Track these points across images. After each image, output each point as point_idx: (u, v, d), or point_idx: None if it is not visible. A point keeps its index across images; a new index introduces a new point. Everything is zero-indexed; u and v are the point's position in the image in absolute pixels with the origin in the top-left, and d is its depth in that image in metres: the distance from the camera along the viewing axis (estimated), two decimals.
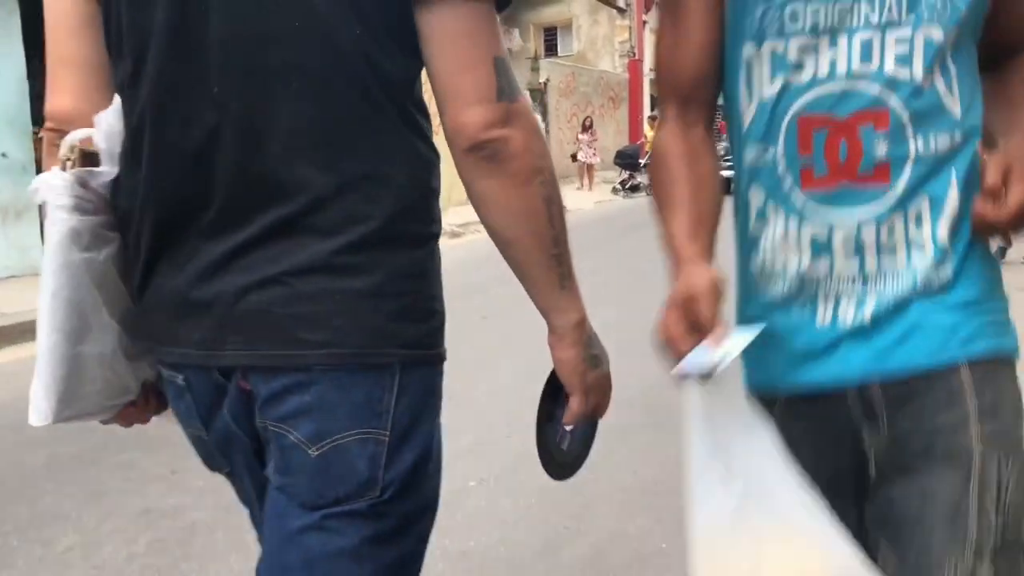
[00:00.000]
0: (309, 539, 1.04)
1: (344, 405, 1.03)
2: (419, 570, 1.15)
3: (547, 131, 20.97)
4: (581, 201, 17.12)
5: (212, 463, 1.21)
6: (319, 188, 1.01)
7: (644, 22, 26.57)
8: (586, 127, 19.76)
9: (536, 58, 23.59)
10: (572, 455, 1.26)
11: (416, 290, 1.07)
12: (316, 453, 1.03)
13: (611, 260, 9.16)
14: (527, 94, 1.12)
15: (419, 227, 1.08)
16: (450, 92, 1.00)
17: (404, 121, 1.05)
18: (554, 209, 1.06)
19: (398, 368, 1.04)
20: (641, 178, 19.33)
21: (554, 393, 1.19)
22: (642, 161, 19.35)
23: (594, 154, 19.37)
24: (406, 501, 1.07)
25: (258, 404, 1.06)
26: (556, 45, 27.70)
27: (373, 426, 1.04)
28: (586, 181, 19.24)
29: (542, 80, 20.95)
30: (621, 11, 25.54)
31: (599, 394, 1.18)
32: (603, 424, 1.27)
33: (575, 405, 1.15)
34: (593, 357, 1.15)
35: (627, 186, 18.88)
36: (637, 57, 25.46)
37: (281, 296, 1.01)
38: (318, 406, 1.02)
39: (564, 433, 1.23)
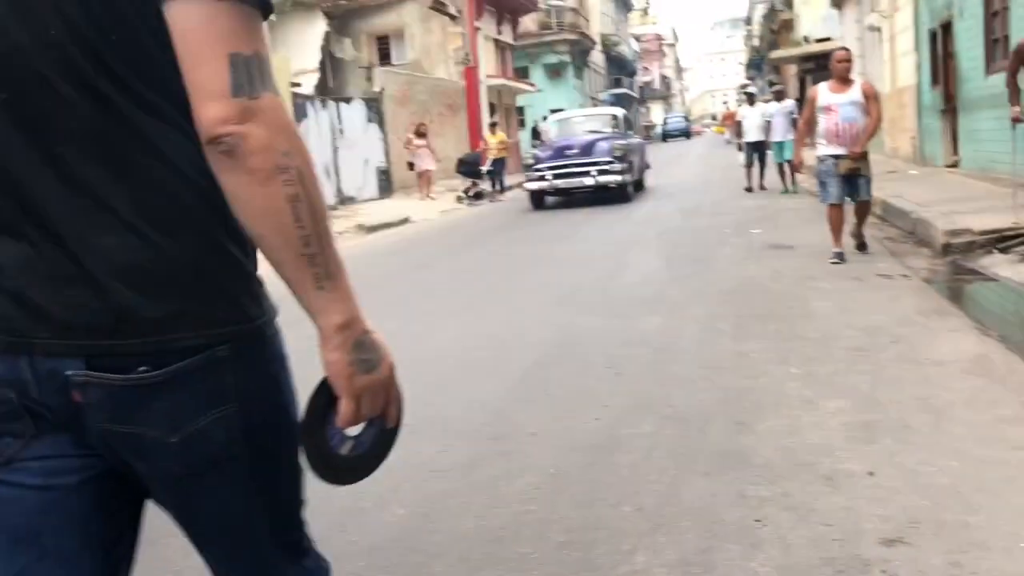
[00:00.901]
0: (198, 500, 1.18)
1: (188, 397, 1.10)
2: (299, 482, 1.28)
3: (385, 140, 20.43)
4: (427, 211, 16.70)
5: None
6: (99, 183, 1.06)
7: (477, 28, 26.46)
8: (421, 133, 19.34)
9: (371, 67, 23.02)
10: (354, 461, 1.21)
11: (221, 273, 1.11)
12: (176, 440, 1.11)
13: (457, 272, 8.81)
14: (278, 93, 1.07)
15: (206, 214, 1.09)
16: (188, 85, 1.02)
17: (177, 116, 1.07)
18: (302, 208, 1.04)
19: (227, 352, 1.11)
20: (484, 185, 19.08)
21: (329, 393, 1.14)
22: (484, 168, 19.10)
23: (432, 160, 18.95)
24: (266, 440, 1.18)
25: (96, 411, 1.10)
26: (390, 54, 27.23)
27: (221, 404, 1.12)
28: (425, 190, 18.79)
29: (377, 89, 20.41)
30: (453, 18, 25.32)
31: (373, 400, 1.15)
32: None
33: (343, 408, 1.13)
34: (363, 361, 1.12)
35: (471, 194, 18.59)
36: (472, 64, 25.29)
37: (93, 293, 1.06)
38: (166, 405, 1.10)
39: (342, 437, 1.18)
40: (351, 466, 1.21)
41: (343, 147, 18.46)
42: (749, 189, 14.57)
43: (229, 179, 1.03)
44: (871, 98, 7.14)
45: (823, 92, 7.25)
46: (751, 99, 15.72)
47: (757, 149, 14.65)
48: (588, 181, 14.47)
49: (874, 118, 7.13)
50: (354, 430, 1.18)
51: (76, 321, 1.07)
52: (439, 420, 3.84)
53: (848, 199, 7.27)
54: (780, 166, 14.13)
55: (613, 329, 5.42)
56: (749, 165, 14.76)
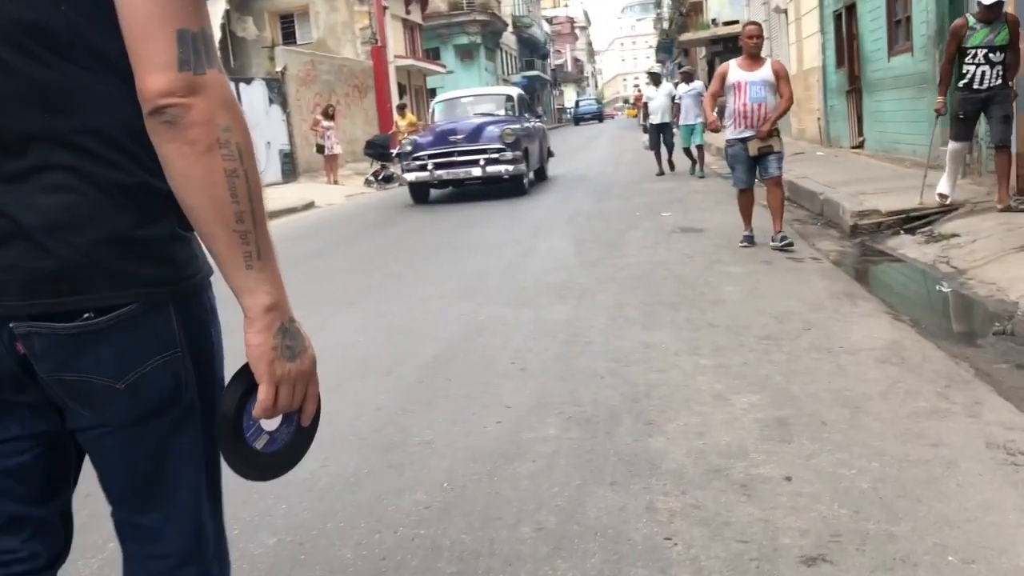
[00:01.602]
0: (143, 456, 1.19)
1: (136, 343, 1.12)
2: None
3: (288, 122, 19.72)
4: (331, 195, 16.16)
5: None
6: (39, 147, 1.07)
7: (384, 8, 25.81)
8: (329, 114, 18.72)
9: (274, 47, 22.21)
10: (269, 458, 1.18)
11: (157, 232, 1.12)
12: (123, 386, 1.13)
13: (359, 260, 8.41)
14: (223, 70, 1.07)
15: (143, 182, 1.11)
16: (133, 56, 1.03)
17: (96, 78, 1.08)
18: (238, 184, 1.05)
19: (169, 299, 1.14)
20: (394, 168, 18.58)
21: (248, 382, 1.13)
22: (394, 151, 18.59)
23: (336, 143, 18.37)
24: (207, 391, 1.22)
25: (36, 359, 1.11)
26: (294, 33, 26.39)
27: (168, 350, 1.15)
28: (330, 175, 18.20)
29: (279, 68, 19.68)
30: None
31: (292, 391, 1.14)
32: None
33: (262, 395, 1.11)
34: (287, 348, 1.12)
35: (380, 177, 18.07)
36: (380, 43, 24.66)
37: (26, 250, 1.08)
38: (113, 350, 1.12)
39: (257, 430, 1.16)
40: (264, 463, 1.18)
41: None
42: (661, 172, 14.25)
43: (168, 149, 1.04)
44: (782, 78, 6.86)
45: (733, 69, 6.95)
46: (656, 80, 15.26)
47: (662, 131, 14.28)
48: (475, 171, 12.56)
49: (786, 98, 6.87)
50: (270, 424, 1.16)
51: (15, 281, 1.08)
52: (325, 427, 3.43)
53: (758, 180, 7.02)
54: (687, 150, 13.84)
55: (520, 320, 5.14)
56: (655, 147, 14.42)
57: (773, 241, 6.76)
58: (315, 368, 1.18)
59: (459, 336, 4.88)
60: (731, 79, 6.88)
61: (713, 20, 36.89)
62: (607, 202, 11.46)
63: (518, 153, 12.67)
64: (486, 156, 12.51)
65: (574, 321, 5.03)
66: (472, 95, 15.67)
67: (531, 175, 14.27)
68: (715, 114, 7.28)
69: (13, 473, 1.21)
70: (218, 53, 1.08)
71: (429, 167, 12.68)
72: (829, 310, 4.81)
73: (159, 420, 1.17)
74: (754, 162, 6.84)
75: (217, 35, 23.88)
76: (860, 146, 13.18)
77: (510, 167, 12.57)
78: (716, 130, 7.32)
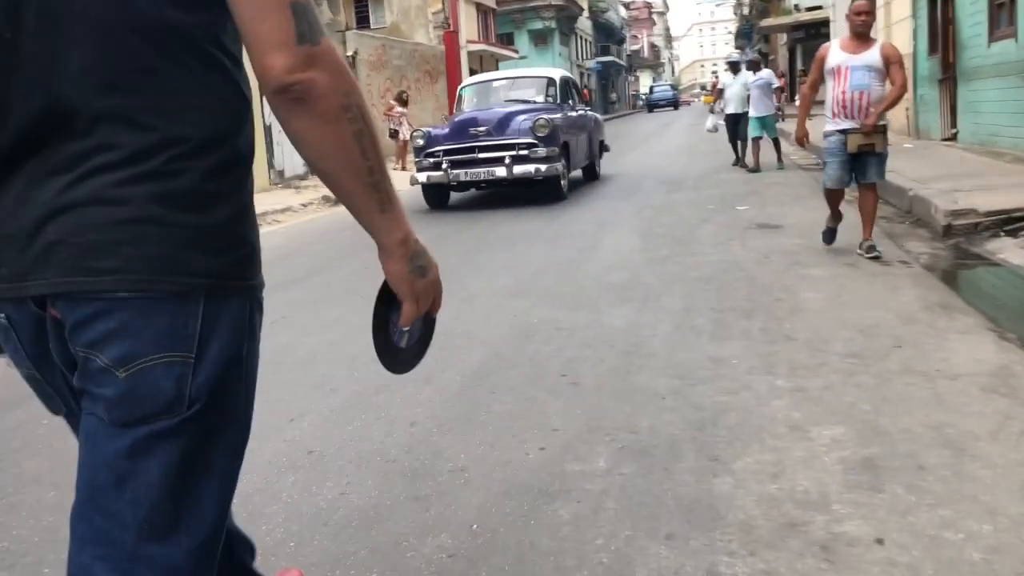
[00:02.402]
0: (120, 459, 1.11)
1: (149, 330, 1.08)
2: (233, 483, 1.23)
3: None
4: (398, 182, 15.90)
5: (50, 404, 1.27)
6: (106, 127, 1.06)
7: None
8: (403, 101, 18.51)
9: (347, 31, 22.12)
10: (411, 353, 1.38)
11: (204, 223, 1.10)
12: (124, 375, 1.08)
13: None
14: (328, 35, 1.08)
15: (210, 163, 1.11)
16: (251, 38, 1.04)
17: (202, 67, 1.10)
18: (366, 142, 1.11)
19: (202, 297, 1.10)
20: None
21: (387, 300, 1.28)
22: None
23: (409, 129, 18.12)
24: (213, 416, 1.14)
25: (67, 332, 1.10)
26: (368, 17, 26.31)
27: (179, 350, 1.09)
28: (400, 162, 17.98)
29: (349, 53, 19.53)
30: None
31: (428, 298, 1.28)
32: None
33: (407, 310, 1.25)
34: (419, 268, 1.24)
35: None
36: (452, 28, 24.36)
37: (74, 226, 1.06)
38: (123, 331, 1.07)
39: (401, 333, 1.32)
40: (407, 356, 1.37)
41: None
42: (742, 163, 13.31)
43: (300, 124, 1.06)
44: (893, 63, 5.81)
45: (834, 51, 5.94)
46: (735, 68, 14.03)
47: (736, 121, 13.38)
48: (499, 171, 10.25)
49: (898, 86, 5.80)
50: (406, 326, 1.29)
51: (58, 255, 1.07)
52: (351, 446, 3.17)
53: (853, 183, 6.09)
54: (756, 140, 12.89)
55: (575, 325, 4.74)
56: (732, 139, 13.59)
57: (859, 248, 6.04)
58: (439, 276, 1.30)
59: (508, 341, 4.51)
60: (831, 62, 5.90)
61: (795, 5, 35.69)
62: (679, 193, 10.94)
63: (554, 149, 10.43)
64: (513, 153, 10.29)
65: (635, 328, 4.61)
66: (506, 78, 13.24)
67: (578, 173, 12.63)
68: (805, 127, 6.34)
69: None
70: (321, 20, 1.09)
71: (444, 165, 10.50)
72: (923, 324, 4.29)
73: (144, 427, 1.10)
74: (852, 160, 5.92)
75: None
76: (952, 138, 12.35)
77: (543, 166, 10.26)
78: (802, 143, 6.45)
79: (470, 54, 27.43)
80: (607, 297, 5.39)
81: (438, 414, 3.46)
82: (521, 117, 10.64)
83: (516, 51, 35.79)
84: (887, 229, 7.18)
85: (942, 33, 12.89)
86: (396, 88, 20.35)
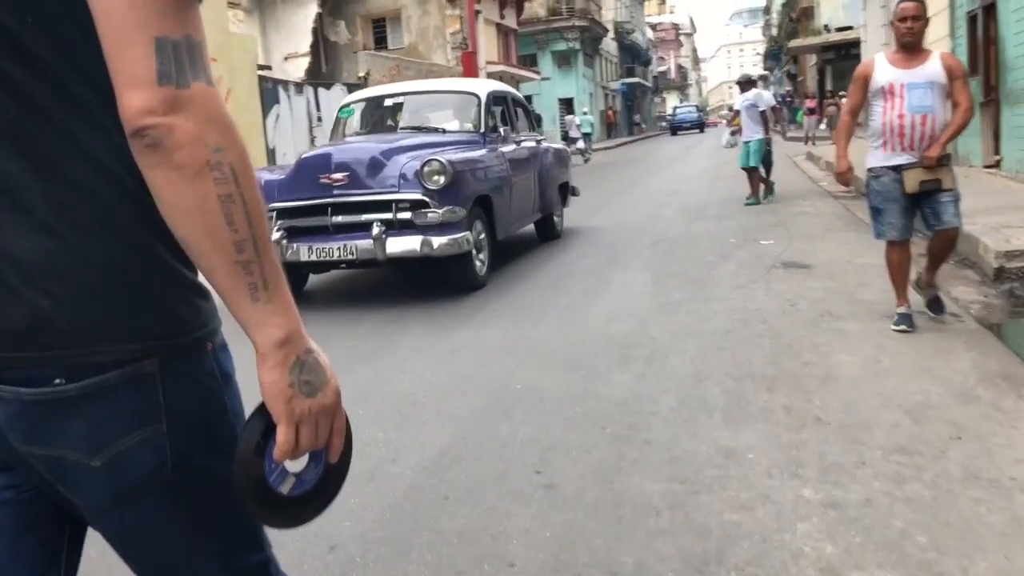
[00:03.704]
0: (133, 533, 1.05)
1: (111, 415, 0.99)
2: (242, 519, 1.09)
3: None
4: None
5: None
6: (14, 180, 0.96)
7: (477, 12, 24.98)
8: None
9: (356, 52, 21.69)
10: (298, 503, 1.05)
11: (149, 279, 1.00)
12: (99, 463, 1.00)
13: (391, 288, 7.38)
14: (212, 82, 0.95)
15: (133, 214, 0.99)
16: (112, 74, 0.91)
17: (100, 107, 0.97)
18: (234, 209, 0.93)
19: (156, 366, 0.99)
20: None
21: (267, 424, 1.01)
22: None
23: None
24: (202, 478, 1.05)
25: (8, 430, 1.01)
26: (386, 38, 25.88)
27: (147, 424, 1.00)
28: None
29: (361, 74, 19.00)
30: (451, 0, 23.83)
31: (315, 428, 1.01)
32: None
33: (281, 437, 0.99)
34: (305, 383, 1.00)
35: None
36: (471, 49, 23.81)
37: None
38: (85, 424, 0.98)
39: (282, 473, 1.02)
40: (292, 509, 1.06)
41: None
42: (768, 191, 12.27)
43: (154, 175, 0.92)
44: (957, 78, 4.64)
45: (881, 66, 4.75)
46: (750, 86, 12.50)
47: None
48: (363, 244, 6.23)
49: (964, 108, 4.61)
50: (295, 466, 1.04)
51: None
52: None
53: (922, 230, 4.91)
54: (748, 172, 11.73)
55: (563, 395, 4.00)
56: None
57: (917, 286, 5.03)
58: (339, 400, 1.04)
59: (481, 417, 3.78)
60: (879, 80, 4.71)
61: (825, 26, 34.91)
62: (699, 223, 10.18)
63: (456, 210, 6.33)
64: (388, 215, 6.23)
65: (634, 401, 3.86)
66: (407, 92, 8.81)
67: (527, 229, 9.20)
68: (847, 160, 5.02)
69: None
70: (208, 62, 0.95)
71: (277, 233, 6.35)
72: (984, 404, 3.51)
73: (147, 500, 1.02)
74: (913, 202, 4.72)
75: (308, 39, 23.54)
76: (995, 165, 11.51)
77: (437, 238, 6.16)
78: (846, 181, 5.09)
79: (489, 75, 26.85)
80: (605, 355, 4.65)
81: (368, 532, 2.73)
82: (403, 158, 6.51)
83: (538, 72, 35.25)
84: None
85: (983, 53, 12.08)
86: None
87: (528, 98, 36.02)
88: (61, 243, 0.95)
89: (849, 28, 30.67)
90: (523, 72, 31.82)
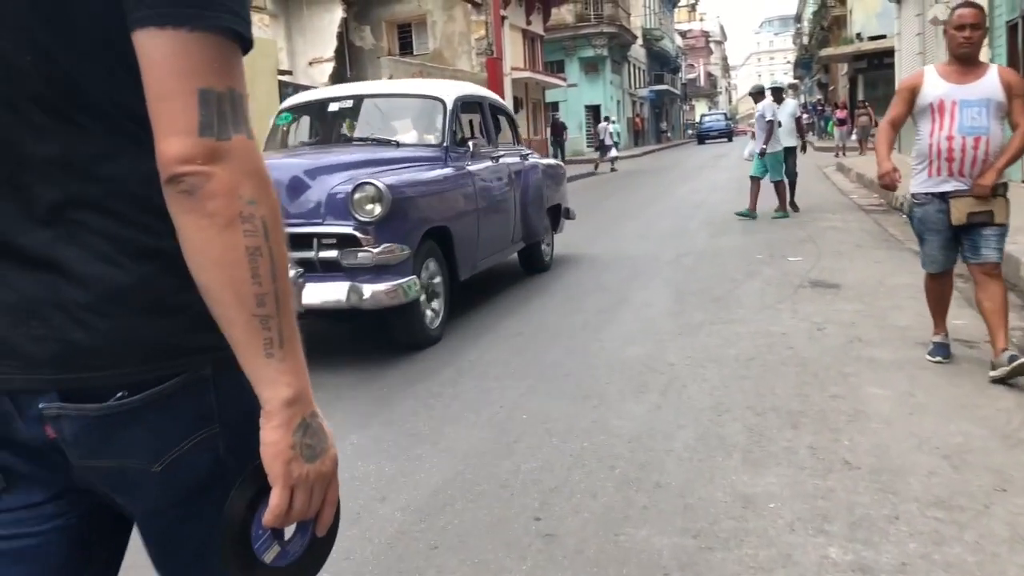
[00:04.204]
0: (184, 534, 1.07)
1: (172, 422, 1.01)
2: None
3: None
4: None
5: None
6: (76, 213, 0.98)
7: (503, 18, 24.77)
8: None
9: (379, 57, 21.57)
10: (278, 573, 1.01)
11: (186, 302, 0.99)
12: (159, 468, 1.02)
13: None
14: (252, 136, 0.97)
15: (171, 243, 0.97)
16: (152, 118, 0.93)
17: (128, 140, 0.98)
18: (261, 263, 0.94)
19: (210, 372, 1.02)
20: None
21: (257, 485, 0.98)
22: None
23: None
24: (250, 459, 1.01)
25: (72, 447, 1.01)
26: (411, 43, 25.72)
27: (204, 428, 1.03)
28: None
29: (384, 79, 18.82)
30: (477, 5, 23.66)
31: (309, 494, 0.99)
32: None
33: (275, 500, 0.97)
34: (307, 446, 0.98)
35: None
36: (496, 55, 23.59)
37: (61, 324, 0.98)
38: (148, 430, 1.00)
39: (268, 541, 0.99)
40: None
41: None
42: (791, 205, 11.90)
43: (185, 221, 0.93)
44: (1017, 95, 4.09)
45: (932, 80, 4.23)
46: (777, 96, 11.94)
47: (782, 158, 11.65)
48: None
49: (1022, 130, 4.08)
50: (283, 535, 1.02)
51: (46, 354, 0.99)
52: None
53: (964, 260, 4.32)
54: (753, 180, 11.47)
55: (572, 427, 3.74)
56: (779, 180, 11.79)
57: (994, 370, 4.03)
58: (336, 470, 1.02)
59: (483, 451, 3.52)
60: (928, 95, 4.21)
61: (858, 35, 34.37)
62: (724, 237, 9.88)
63: (396, 249, 4.98)
64: (308, 254, 4.89)
65: (647, 436, 3.59)
66: (356, 95, 7.09)
67: (511, 260, 7.86)
68: (890, 162, 4.42)
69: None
70: (248, 115, 0.96)
71: None
72: None
73: (201, 499, 1.04)
74: (957, 233, 4.25)
75: (333, 44, 23.45)
76: None
77: (372, 286, 4.85)
78: (892, 186, 4.46)
79: (515, 81, 26.62)
80: (619, 383, 4.38)
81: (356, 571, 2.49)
82: (334, 179, 5.11)
83: (564, 79, 34.95)
84: (969, 295, 6.03)
85: None
86: None
87: (555, 105, 36.02)
88: (119, 269, 0.98)
89: (882, 37, 30.13)
90: (549, 79, 31.55)
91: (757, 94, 12.24)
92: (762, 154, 11.37)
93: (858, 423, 3.59)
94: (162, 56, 0.91)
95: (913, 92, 4.29)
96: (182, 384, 1.01)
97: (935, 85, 4.21)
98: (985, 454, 3.17)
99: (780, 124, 11.71)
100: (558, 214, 8.91)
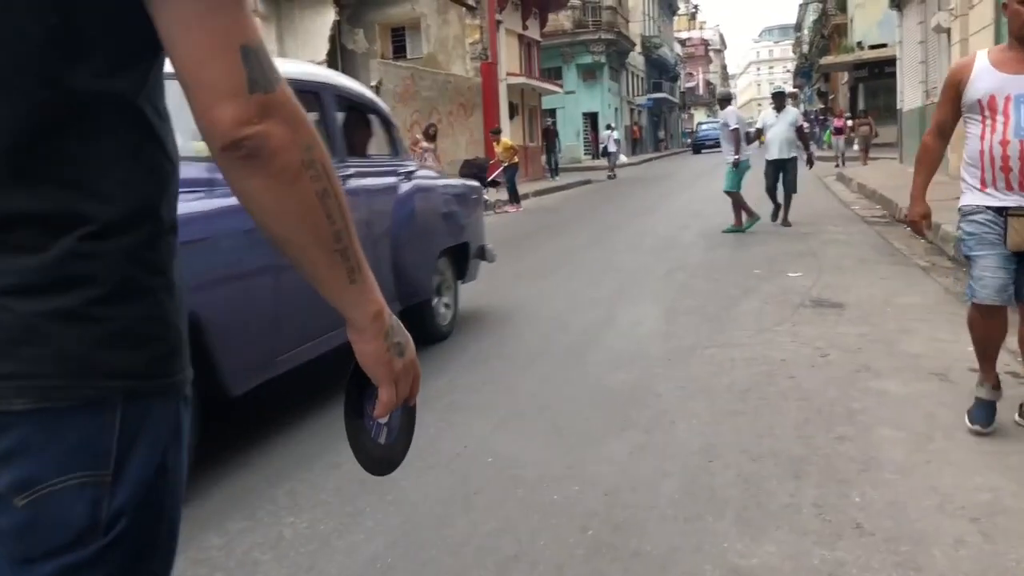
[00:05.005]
0: None
1: (53, 448, 0.88)
2: None
3: None
4: None
5: None
6: (6, 203, 0.88)
7: (498, 22, 24.36)
8: (431, 135, 17.20)
9: (371, 59, 21.14)
10: (393, 448, 1.17)
11: (129, 313, 0.92)
12: (23, 503, 0.88)
13: None
14: (285, 82, 0.92)
15: (129, 241, 0.92)
16: (193, 88, 0.88)
17: (120, 131, 0.92)
18: (331, 203, 0.95)
19: (119, 402, 0.91)
20: (488, 196, 16.92)
21: (360, 386, 1.12)
22: (489, 179, 16.94)
23: (435, 167, 16.84)
24: (136, 542, 0.95)
25: None
26: (405, 47, 25.27)
27: (92, 469, 0.90)
28: None
29: (373, 83, 18.38)
30: (471, 9, 23.21)
31: (407, 382, 1.11)
32: None
33: (385, 396, 1.08)
34: (396, 345, 1.07)
35: None
36: (490, 59, 23.16)
37: None
38: (21, 450, 0.87)
39: (379, 427, 1.15)
40: (389, 454, 1.17)
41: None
42: (783, 219, 11.29)
43: (252, 185, 0.91)
44: None
45: (983, 69, 3.33)
46: (780, 102, 11.48)
47: (781, 169, 11.17)
48: None
49: None
50: (384, 417, 1.12)
51: None
52: None
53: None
54: (730, 195, 11.02)
55: (542, 475, 3.26)
56: (771, 190, 11.38)
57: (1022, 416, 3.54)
58: (416, 356, 1.11)
59: (433, 505, 3.04)
60: (977, 89, 3.33)
61: (858, 43, 34.01)
62: (720, 250, 9.43)
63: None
64: None
65: (627, 487, 3.11)
66: None
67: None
68: (923, 202, 3.60)
69: None
70: (275, 64, 0.91)
71: None
72: None
73: (52, 561, 0.88)
74: (1019, 259, 3.37)
75: (325, 48, 23.00)
76: None
77: None
78: (919, 231, 3.79)
79: (510, 87, 26.17)
80: (600, 417, 3.91)
81: None
82: None
83: (560, 85, 34.53)
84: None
85: None
86: (425, 121, 19.15)
87: (550, 111, 35.55)
88: (38, 259, 0.88)
89: (883, 45, 29.76)
90: (546, 85, 31.12)
91: (723, 100, 11.83)
92: (736, 164, 10.92)
93: (870, 473, 3.12)
94: (197, 17, 0.86)
95: (958, 86, 3.40)
96: (78, 410, 0.88)
97: (985, 76, 3.32)
98: (1019, 517, 2.71)
99: (756, 133, 11.35)
100: (466, 257, 6.16)
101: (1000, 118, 3.25)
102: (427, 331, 5.47)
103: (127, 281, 0.92)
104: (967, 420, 3.50)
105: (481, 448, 3.59)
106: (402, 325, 1.10)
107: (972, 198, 3.41)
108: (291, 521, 2.95)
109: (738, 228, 10.91)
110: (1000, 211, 3.31)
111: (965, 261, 3.48)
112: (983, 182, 3.35)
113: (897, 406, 3.87)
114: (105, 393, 0.89)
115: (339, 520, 2.94)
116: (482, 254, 6.47)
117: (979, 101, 3.32)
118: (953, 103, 3.45)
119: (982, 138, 3.33)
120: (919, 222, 3.63)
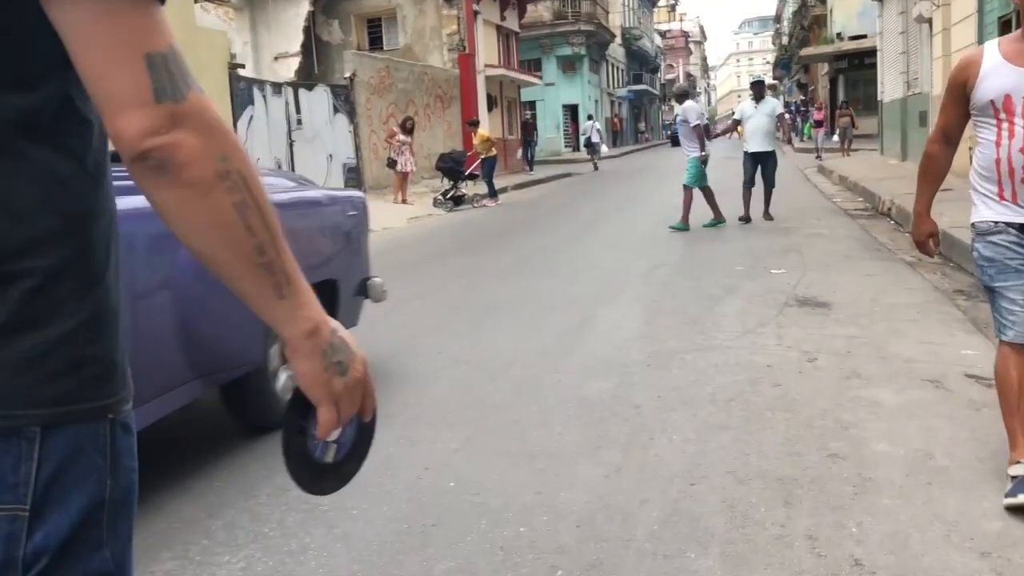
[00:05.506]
0: None
1: None
2: None
3: (355, 133, 17.97)
4: (393, 217, 14.29)
5: None
6: None
7: (476, 12, 23.99)
8: (408, 128, 16.85)
9: (344, 51, 20.76)
10: (339, 466, 1.10)
11: (48, 337, 0.88)
12: None
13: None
14: (202, 89, 0.90)
15: (45, 263, 0.88)
16: (99, 97, 0.86)
17: (31, 149, 0.87)
18: (250, 214, 0.90)
19: (38, 431, 0.86)
20: (466, 189, 16.61)
21: (302, 406, 1.03)
22: (467, 172, 16.62)
23: (411, 160, 16.50)
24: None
25: None
26: (381, 38, 24.89)
27: (6, 502, 0.85)
28: (399, 194, 16.31)
29: (347, 75, 18.00)
30: (448, 0, 22.83)
31: (352, 401, 1.03)
32: None
33: (323, 417, 1.01)
34: (337, 364, 1.01)
35: (448, 196, 16.11)
36: (468, 51, 22.81)
37: None
38: None
39: (324, 446, 1.08)
40: (337, 472, 1.11)
41: (301, 140, 16.03)
42: (745, 219, 10.79)
43: (164, 197, 0.88)
44: None
45: (993, 63, 2.80)
46: (759, 90, 11.15)
47: (759, 162, 10.82)
48: None
49: None
50: (334, 434, 1.07)
51: None
52: None
53: None
54: (686, 189, 10.80)
55: (504, 505, 2.96)
56: (750, 184, 10.95)
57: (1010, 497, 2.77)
58: (367, 369, 1.04)
59: (384, 540, 2.73)
60: (989, 87, 2.80)
61: (838, 34, 33.87)
62: (701, 246, 9.18)
63: None
64: None
65: (602, 516, 2.82)
66: None
67: None
68: (929, 219, 3.14)
69: None
70: (191, 70, 0.88)
71: None
72: None
73: None
74: None
75: (299, 39, 22.59)
76: None
77: None
78: (928, 252, 3.20)
79: (488, 79, 25.81)
80: (574, 433, 3.63)
81: None
82: None
83: (540, 77, 34.20)
84: (965, 308, 5.32)
85: None
86: (401, 113, 18.79)
87: (530, 104, 35.23)
88: None
89: (863, 36, 29.65)
90: (525, 76, 30.78)
91: (680, 95, 11.61)
92: (703, 162, 10.68)
93: (866, 497, 2.85)
94: (100, 26, 0.82)
95: (965, 86, 2.87)
96: None
97: (998, 72, 2.78)
98: (1020, 542, 2.44)
99: (732, 124, 11.18)
100: (333, 297, 4.18)
101: (1019, 121, 2.74)
102: (253, 416, 3.79)
103: (43, 305, 0.87)
104: (1005, 497, 2.73)
105: (443, 471, 3.29)
106: (350, 341, 1.02)
107: (987, 212, 2.88)
108: (225, 560, 2.64)
109: (719, 221, 10.66)
110: (1021, 227, 2.82)
111: (987, 291, 2.97)
112: (1001, 193, 2.83)
113: (891, 418, 3.60)
114: (19, 423, 0.85)
115: (279, 559, 2.63)
116: (364, 291, 4.64)
117: (992, 102, 2.80)
118: (959, 104, 2.94)
119: (998, 145, 2.79)
120: (926, 242, 3.15)
